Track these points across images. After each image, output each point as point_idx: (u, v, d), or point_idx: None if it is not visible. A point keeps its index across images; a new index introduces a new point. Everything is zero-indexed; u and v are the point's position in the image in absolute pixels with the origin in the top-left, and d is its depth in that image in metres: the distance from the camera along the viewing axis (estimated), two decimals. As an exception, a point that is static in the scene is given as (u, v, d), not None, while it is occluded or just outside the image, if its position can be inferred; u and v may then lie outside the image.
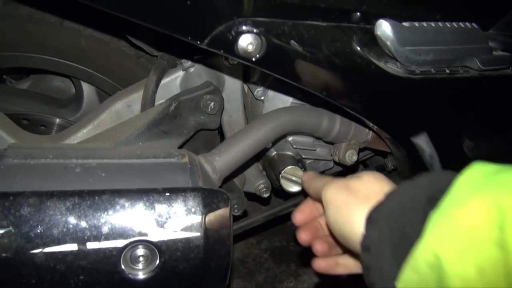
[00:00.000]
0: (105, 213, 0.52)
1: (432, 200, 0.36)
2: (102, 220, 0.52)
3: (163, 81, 0.80)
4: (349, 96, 0.58)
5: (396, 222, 0.38)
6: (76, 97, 0.96)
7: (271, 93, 0.81)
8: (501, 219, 0.30)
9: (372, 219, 0.41)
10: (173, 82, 0.81)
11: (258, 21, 0.48)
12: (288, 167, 0.85)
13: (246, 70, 0.84)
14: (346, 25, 0.53)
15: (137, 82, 0.83)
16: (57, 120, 0.88)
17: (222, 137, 0.92)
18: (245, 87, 0.88)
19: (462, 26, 0.60)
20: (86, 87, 0.94)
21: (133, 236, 0.53)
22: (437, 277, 0.33)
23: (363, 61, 0.55)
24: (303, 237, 0.58)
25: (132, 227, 0.53)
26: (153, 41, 0.78)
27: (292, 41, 0.50)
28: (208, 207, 0.56)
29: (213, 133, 0.82)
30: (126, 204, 0.53)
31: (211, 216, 0.56)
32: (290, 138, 0.87)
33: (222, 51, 0.49)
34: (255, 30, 0.48)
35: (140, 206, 0.53)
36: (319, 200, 0.53)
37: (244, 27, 0.47)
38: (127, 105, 0.80)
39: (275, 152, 0.92)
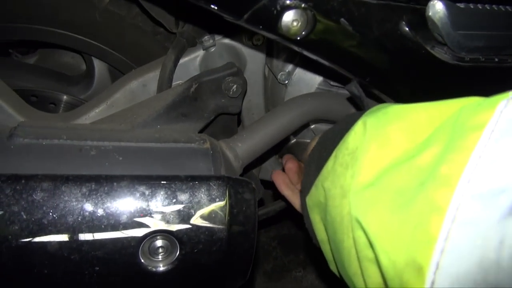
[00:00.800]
0: (124, 200, 0.48)
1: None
2: (121, 208, 0.48)
3: (182, 61, 0.76)
4: (394, 82, 0.53)
5: (322, 150, 0.48)
6: (87, 74, 0.91)
7: (295, 77, 0.76)
8: (365, 130, 0.39)
9: (312, 149, 0.52)
10: (192, 62, 0.76)
11: (306, -6, 0.43)
12: (309, 156, 0.81)
13: (269, 52, 0.79)
14: (395, 4, 0.48)
15: (153, 61, 0.78)
16: (67, 98, 0.84)
17: (238, 122, 0.88)
18: (266, 69, 0.84)
19: (516, 10, 0.55)
20: (98, 64, 0.89)
21: (153, 226, 0.49)
22: (324, 191, 0.43)
23: (413, 45, 0.50)
24: (286, 157, 0.71)
25: (152, 216, 0.49)
26: (173, 17, 0.73)
27: (342, 19, 0.45)
28: (233, 197, 0.52)
29: (232, 118, 0.78)
30: (147, 192, 0.49)
31: (236, 207, 0.52)
32: (312, 126, 0.83)
33: (261, 27, 0.44)
34: (303, 5, 0.43)
35: (161, 194, 0.50)
36: None
37: (290, 1, 0.42)
38: (143, 85, 0.76)
39: (294, 140, 0.88)
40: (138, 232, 0.49)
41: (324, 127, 0.82)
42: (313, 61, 0.56)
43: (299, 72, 0.76)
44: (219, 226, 0.51)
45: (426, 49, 0.51)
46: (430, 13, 0.49)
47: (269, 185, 0.98)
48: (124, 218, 0.48)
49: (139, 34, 0.78)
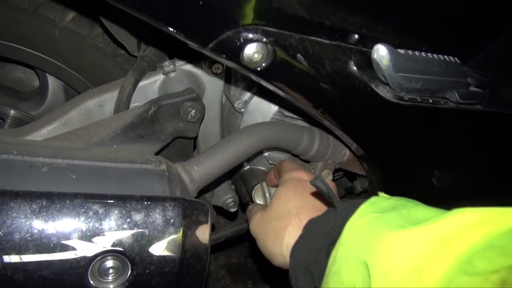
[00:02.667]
0: (76, 219, 0.48)
1: (331, 245, 0.44)
2: (72, 227, 0.47)
3: (141, 84, 0.76)
4: (343, 115, 0.58)
5: (308, 265, 0.47)
6: (40, 90, 0.89)
7: (251, 106, 0.79)
8: (367, 274, 0.37)
9: (293, 254, 0.50)
10: (151, 85, 0.78)
11: (268, 30, 0.47)
12: (262, 183, 0.83)
13: (227, 81, 0.82)
14: (345, 45, 0.54)
15: (111, 82, 0.78)
16: (17, 113, 0.81)
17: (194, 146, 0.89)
18: (223, 97, 0.87)
19: (447, 59, 0.63)
20: (53, 81, 0.87)
21: (105, 246, 0.49)
22: None
23: (360, 83, 0.55)
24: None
25: (104, 236, 0.49)
26: (135, 40, 0.74)
27: (299, 55, 0.49)
28: (187, 218, 0.53)
29: (189, 142, 0.80)
30: (100, 211, 0.49)
31: (190, 229, 0.53)
32: (266, 154, 0.86)
33: (224, 56, 0.47)
34: (264, 39, 0.47)
35: (115, 213, 0.49)
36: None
37: (252, 35, 0.46)
38: (99, 105, 0.75)
39: (248, 167, 0.90)
40: (88, 252, 0.48)
41: (276, 155, 0.86)
42: (269, 92, 0.59)
43: (255, 102, 0.79)
44: (173, 247, 0.52)
45: (371, 87, 0.57)
46: (375, 56, 0.55)
47: (221, 211, 0.99)
48: (75, 237, 0.47)
49: (99, 55, 0.79)
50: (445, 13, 0.63)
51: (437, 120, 0.68)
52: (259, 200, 0.84)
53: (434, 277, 0.32)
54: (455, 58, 0.65)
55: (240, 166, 0.90)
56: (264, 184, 0.82)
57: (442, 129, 0.71)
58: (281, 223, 0.56)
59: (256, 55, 0.47)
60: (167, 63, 0.76)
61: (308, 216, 0.53)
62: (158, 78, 0.77)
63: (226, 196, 0.97)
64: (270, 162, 0.86)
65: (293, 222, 0.54)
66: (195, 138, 0.79)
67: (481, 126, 0.78)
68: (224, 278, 1.41)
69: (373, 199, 0.44)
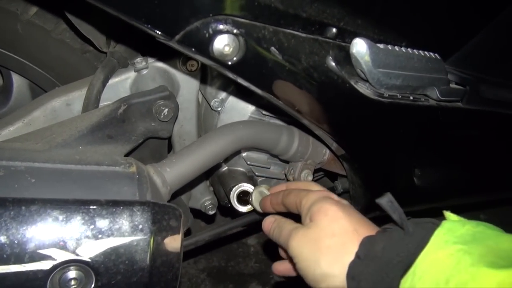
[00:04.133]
0: (33, 227, 0.44)
1: (403, 274, 0.40)
2: (28, 236, 0.44)
3: (111, 81, 0.73)
4: (321, 113, 0.55)
5: None
6: (4, 89, 0.84)
7: (228, 104, 0.77)
8: None
9: (353, 277, 0.44)
10: (122, 83, 0.74)
11: (239, 21, 0.44)
12: (240, 184, 0.80)
13: (203, 78, 0.79)
14: (323, 39, 0.51)
15: (79, 80, 0.74)
16: (-22, 114, 0.76)
17: (169, 148, 0.86)
18: (200, 96, 0.83)
19: (428, 55, 0.61)
20: (18, 80, 0.83)
21: (65, 256, 0.45)
22: None
23: (339, 79, 0.53)
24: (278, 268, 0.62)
25: (65, 245, 0.45)
26: (104, 35, 0.70)
27: (273, 48, 0.46)
28: (157, 224, 0.50)
29: (162, 143, 0.76)
30: (60, 217, 0.45)
31: (160, 235, 0.50)
32: (244, 154, 0.83)
33: (193, 50, 0.44)
34: (235, 31, 0.44)
35: (77, 220, 0.46)
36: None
37: (222, 26, 0.43)
38: (66, 104, 0.71)
39: (226, 168, 0.87)
40: (47, 263, 0.44)
41: (255, 155, 0.83)
42: (247, 90, 0.57)
43: (232, 100, 0.77)
44: (141, 255, 0.48)
45: (350, 83, 0.55)
46: (353, 50, 0.52)
47: (198, 214, 0.96)
48: (32, 247, 0.43)
49: (65, 51, 0.74)
50: (426, 7, 0.61)
51: (418, 117, 0.66)
52: (237, 204, 0.81)
53: None
54: (436, 54, 0.63)
55: (217, 167, 0.87)
56: (263, 188, 0.75)
57: (422, 126, 0.69)
58: (337, 240, 0.48)
59: (226, 48, 0.44)
60: (139, 59, 0.72)
61: (365, 232, 0.47)
62: (130, 75, 0.74)
63: (204, 198, 0.94)
64: (249, 162, 0.83)
65: (353, 239, 0.48)
66: (169, 139, 0.76)
67: (462, 124, 0.77)
68: (204, 282, 1.37)
69: (447, 224, 0.40)
